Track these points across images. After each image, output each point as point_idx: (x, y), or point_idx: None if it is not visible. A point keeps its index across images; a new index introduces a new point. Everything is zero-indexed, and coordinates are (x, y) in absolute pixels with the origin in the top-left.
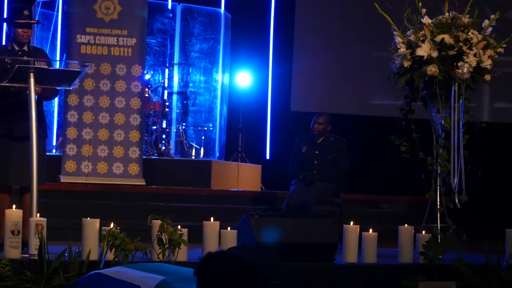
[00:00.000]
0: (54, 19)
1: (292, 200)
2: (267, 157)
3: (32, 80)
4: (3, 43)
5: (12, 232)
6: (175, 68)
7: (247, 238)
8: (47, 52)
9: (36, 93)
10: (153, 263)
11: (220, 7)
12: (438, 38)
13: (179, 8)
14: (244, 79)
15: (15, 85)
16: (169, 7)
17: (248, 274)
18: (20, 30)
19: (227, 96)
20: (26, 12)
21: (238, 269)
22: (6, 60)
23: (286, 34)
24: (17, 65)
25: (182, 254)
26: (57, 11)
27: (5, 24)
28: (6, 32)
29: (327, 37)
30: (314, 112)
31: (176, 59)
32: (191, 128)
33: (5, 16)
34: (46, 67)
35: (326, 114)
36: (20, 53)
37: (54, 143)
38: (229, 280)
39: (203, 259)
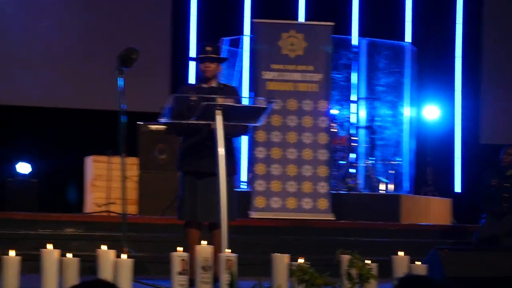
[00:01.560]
0: (239, 56)
1: (483, 233)
2: (457, 190)
3: (219, 117)
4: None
5: (203, 268)
6: (361, 103)
7: (437, 273)
8: None
9: (210, 129)
10: None
11: (405, 41)
12: None
13: (364, 42)
14: (431, 112)
15: (193, 122)
16: (354, 42)
17: None
18: (202, 65)
19: (414, 129)
20: (208, 48)
21: None
22: (191, 98)
23: (474, 66)
24: (204, 103)
25: None
26: (242, 48)
27: (194, 64)
28: (197, 72)
29: None
30: (503, 144)
31: (362, 93)
32: (379, 162)
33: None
34: (232, 104)
35: None
36: (207, 90)
37: (244, 179)
38: None
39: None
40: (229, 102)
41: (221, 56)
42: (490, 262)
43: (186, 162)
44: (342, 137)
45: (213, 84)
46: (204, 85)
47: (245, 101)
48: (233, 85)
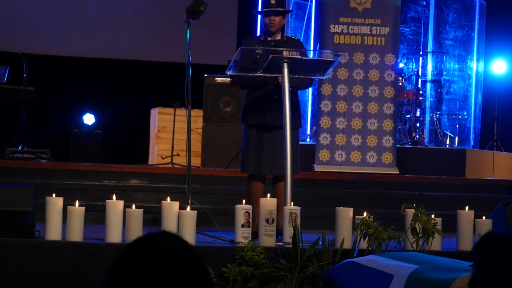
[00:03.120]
0: (308, 9)
1: None
2: None
3: (285, 70)
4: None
5: (267, 221)
6: (429, 56)
7: (502, 228)
8: None
9: (277, 82)
10: (407, 252)
11: None
12: None
13: None
14: (499, 66)
15: (260, 75)
16: None
17: None
18: (266, 19)
19: (482, 84)
20: (272, 1)
21: None
22: (257, 51)
23: None
24: (271, 56)
25: (436, 243)
26: (311, 1)
27: (259, 17)
28: (261, 25)
29: None
30: None
31: (430, 47)
32: (445, 116)
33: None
34: (299, 57)
35: None
36: (273, 43)
37: (308, 132)
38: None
39: (484, 237)
40: (295, 55)
41: (286, 8)
42: None
43: (251, 114)
44: (408, 91)
45: (278, 37)
46: (269, 38)
47: (312, 54)
48: (298, 38)
